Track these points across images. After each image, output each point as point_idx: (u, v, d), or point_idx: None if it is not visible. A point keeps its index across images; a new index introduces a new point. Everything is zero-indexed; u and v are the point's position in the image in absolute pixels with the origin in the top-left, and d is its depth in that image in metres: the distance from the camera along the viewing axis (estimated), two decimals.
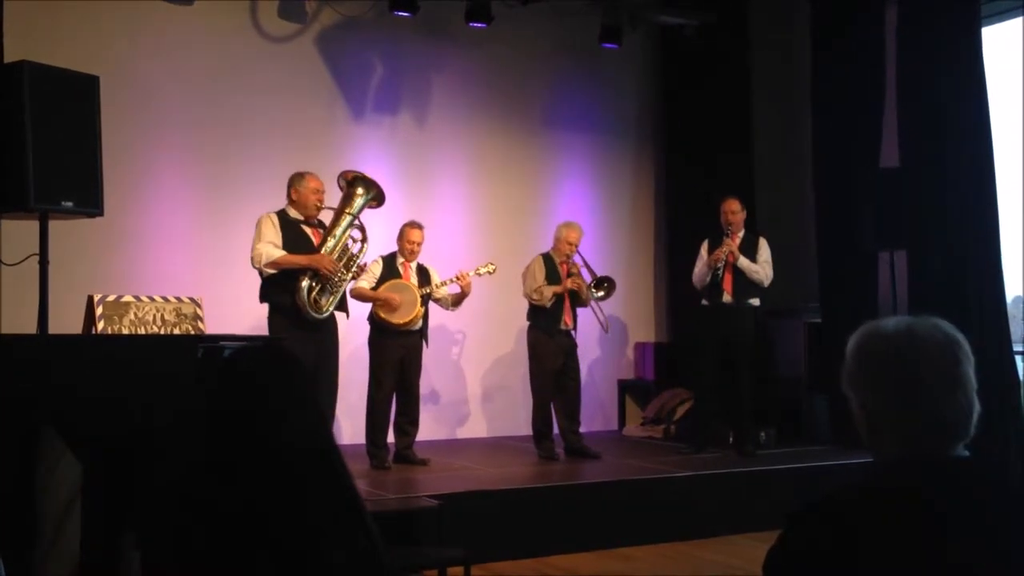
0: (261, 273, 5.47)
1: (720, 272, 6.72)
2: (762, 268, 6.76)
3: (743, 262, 6.71)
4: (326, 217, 5.73)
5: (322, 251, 5.50)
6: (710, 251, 6.83)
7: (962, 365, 1.55)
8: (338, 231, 5.59)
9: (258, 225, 5.51)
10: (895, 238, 6.76)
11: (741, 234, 6.81)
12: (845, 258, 7.29)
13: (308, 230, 5.61)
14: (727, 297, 6.75)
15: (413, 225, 6.37)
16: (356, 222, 5.67)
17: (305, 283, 5.42)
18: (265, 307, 5.57)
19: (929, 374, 1.53)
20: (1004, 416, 6.29)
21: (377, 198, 5.79)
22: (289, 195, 5.61)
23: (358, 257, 5.68)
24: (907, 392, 1.54)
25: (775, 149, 8.35)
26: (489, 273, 6.61)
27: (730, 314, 6.73)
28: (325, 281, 5.49)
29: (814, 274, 7.69)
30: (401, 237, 6.37)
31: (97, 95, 4.25)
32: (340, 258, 5.56)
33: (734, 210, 6.78)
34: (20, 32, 5.72)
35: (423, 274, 6.40)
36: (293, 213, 5.59)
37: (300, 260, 5.45)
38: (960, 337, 1.57)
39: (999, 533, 1.50)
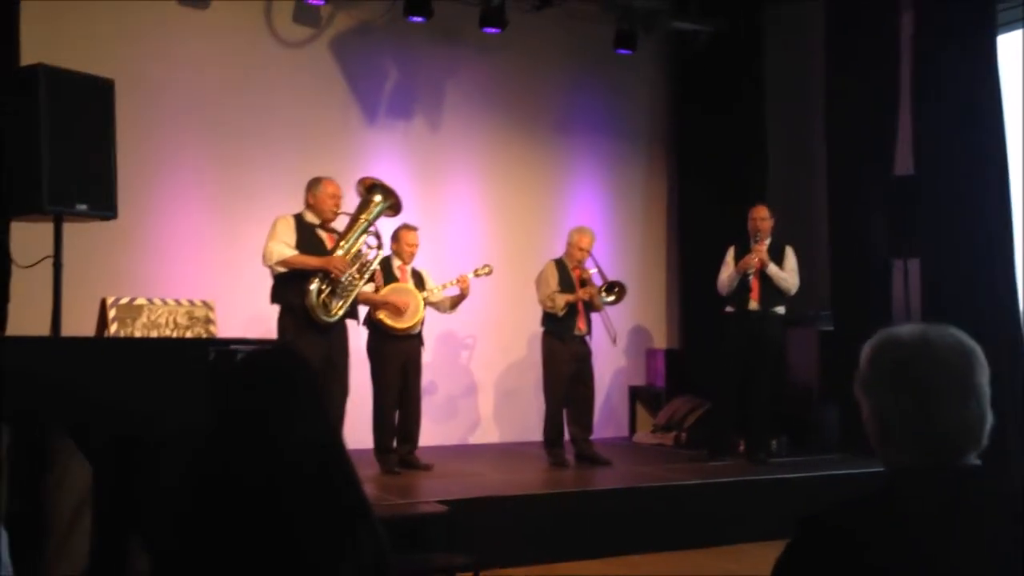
0: (272, 272, 5.48)
1: (749, 279, 6.69)
2: (790, 276, 6.73)
3: (772, 269, 6.67)
4: (342, 223, 5.72)
5: (335, 254, 5.51)
6: (737, 257, 6.79)
7: (976, 374, 1.54)
8: (352, 236, 5.59)
9: (273, 225, 5.54)
10: (908, 246, 6.73)
11: (768, 241, 6.78)
12: (858, 266, 7.26)
13: (323, 234, 5.62)
14: (754, 304, 6.71)
15: (410, 228, 6.35)
16: (372, 228, 5.67)
17: (314, 285, 5.41)
18: (276, 308, 5.58)
19: (942, 381, 1.52)
20: (1017, 425, 6.25)
21: (394, 207, 5.79)
22: (306, 200, 5.63)
23: (372, 263, 5.69)
24: (919, 398, 1.53)
25: (788, 156, 8.33)
26: (486, 274, 6.61)
27: (756, 321, 6.70)
28: (335, 283, 5.48)
29: (827, 282, 7.65)
30: (398, 240, 6.33)
31: (112, 98, 4.28)
32: (353, 263, 5.56)
33: (763, 216, 6.74)
34: (36, 35, 5.76)
35: (417, 278, 6.38)
36: (310, 217, 5.61)
37: (311, 261, 5.45)
38: (975, 346, 1.56)
39: (1010, 543, 1.49)
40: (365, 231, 5.65)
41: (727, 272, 6.83)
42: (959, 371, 1.53)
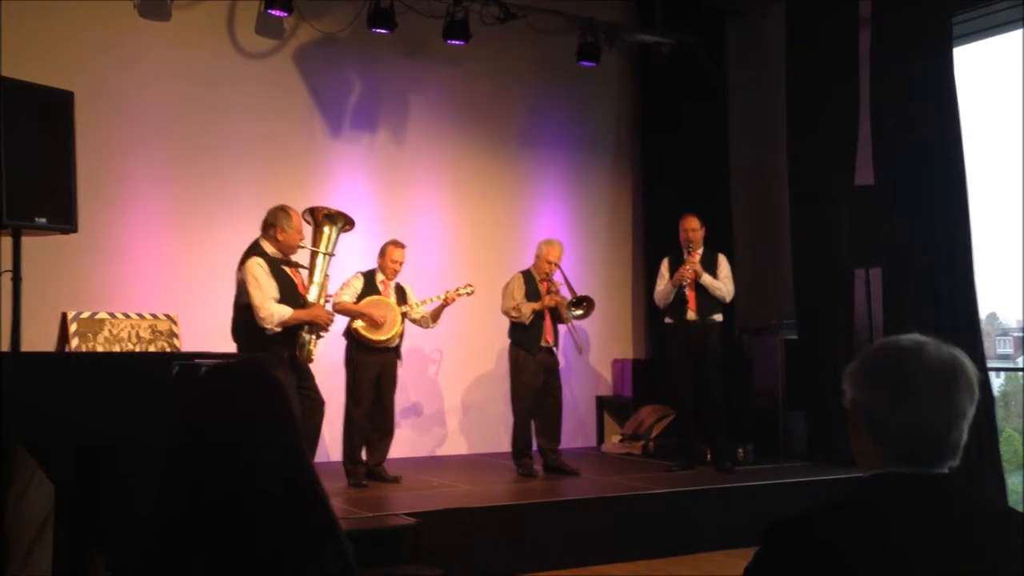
0: (265, 330, 5.16)
1: (684, 290, 6.75)
2: (724, 284, 6.80)
3: (706, 279, 6.74)
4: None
5: (310, 298, 5.36)
6: (671, 269, 6.86)
7: (958, 390, 1.56)
8: (319, 275, 5.44)
9: (254, 276, 5.14)
10: (870, 255, 6.81)
11: (701, 251, 6.84)
12: (821, 275, 7.33)
13: (289, 271, 5.37)
14: (691, 315, 6.77)
15: (396, 244, 6.38)
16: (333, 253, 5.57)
17: (306, 337, 5.31)
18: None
19: (921, 386, 1.55)
20: (980, 433, 6.34)
21: (348, 223, 5.64)
22: (274, 234, 5.28)
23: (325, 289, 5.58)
24: (895, 396, 1.55)
25: (751, 166, 8.41)
26: (468, 294, 6.61)
27: (696, 332, 6.75)
28: (320, 332, 5.39)
29: (790, 291, 7.73)
30: (383, 256, 6.37)
31: (72, 111, 4.23)
32: (325, 302, 5.49)
33: (694, 227, 6.81)
34: None
35: (400, 293, 6.40)
36: (272, 251, 5.30)
37: (304, 316, 5.25)
38: (968, 368, 1.59)
39: (975, 549, 1.50)
40: (329, 259, 5.53)
41: (662, 284, 6.89)
42: (942, 382, 1.55)
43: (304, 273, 5.46)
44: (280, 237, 5.28)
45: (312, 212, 5.60)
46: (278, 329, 5.16)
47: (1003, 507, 1.71)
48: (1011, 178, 6.71)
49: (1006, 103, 6.82)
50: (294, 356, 5.28)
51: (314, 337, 5.36)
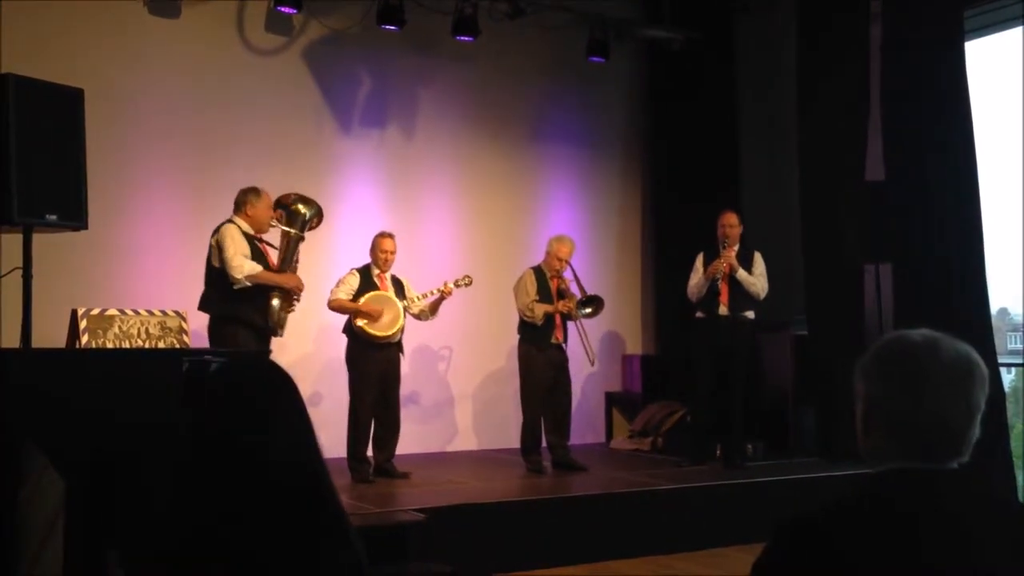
0: (233, 284, 5.35)
1: (717, 284, 6.73)
2: (758, 280, 6.78)
3: (741, 274, 6.72)
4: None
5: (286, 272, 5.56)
6: (706, 264, 6.84)
7: (973, 384, 1.56)
8: (293, 252, 5.63)
9: (227, 235, 5.38)
10: (880, 251, 6.79)
11: (737, 247, 6.82)
12: (831, 271, 7.31)
13: (260, 246, 5.58)
14: (723, 309, 6.75)
15: (385, 235, 6.37)
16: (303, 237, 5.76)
17: (276, 302, 5.46)
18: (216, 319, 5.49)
19: (937, 379, 1.55)
20: (989, 429, 6.31)
21: (319, 215, 5.84)
22: (244, 210, 5.52)
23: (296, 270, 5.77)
24: (910, 388, 1.55)
25: (762, 162, 8.39)
26: (466, 285, 6.60)
27: (727, 327, 6.73)
28: (291, 301, 5.55)
29: (801, 287, 7.71)
30: (374, 248, 6.35)
31: (82, 108, 4.24)
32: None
33: (732, 223, 6.79)
34: (3, 45, 5.70)
35: (398, 286, 6.39)
36: (245, 227, 5.51)
37: (277, 279, 5.48)
38: (981, 363, 1.59)
39: (985, 547, 1.50)
40: (299, 241, 5.70)
41: (696, 278, 6.88)
42: (957, 375, 1.55)
43: (274, 253, 5.64)
44: (251, 212, 5.53)
45: (281, 200, 5.77)
46: (247, 283, 5.34)
47: (1014, 504, 1.71)
48: (1022, 173, 6.68)
49: (1017, 98, 6.78)
50: (264, 325, 5.44)
51: (285, 304, 5.52)
